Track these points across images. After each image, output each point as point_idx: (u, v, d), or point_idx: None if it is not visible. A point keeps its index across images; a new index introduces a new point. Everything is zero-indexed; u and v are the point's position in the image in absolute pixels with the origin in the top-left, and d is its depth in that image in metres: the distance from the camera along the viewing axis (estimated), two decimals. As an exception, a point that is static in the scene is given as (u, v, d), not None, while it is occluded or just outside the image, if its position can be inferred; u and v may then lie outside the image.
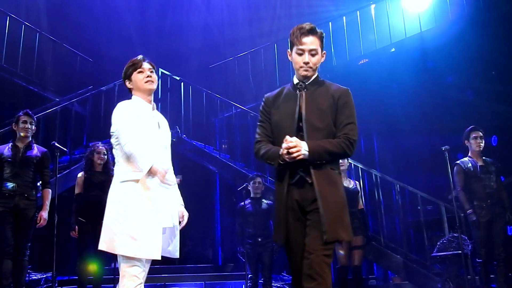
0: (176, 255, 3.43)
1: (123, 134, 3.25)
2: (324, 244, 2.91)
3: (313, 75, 3.18)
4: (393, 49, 10.07)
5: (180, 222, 3.49)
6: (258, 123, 3.29)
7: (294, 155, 2.92)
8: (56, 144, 6.01)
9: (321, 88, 3.17)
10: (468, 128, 6.46)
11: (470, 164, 6.34)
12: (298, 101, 3.12)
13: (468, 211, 6.21)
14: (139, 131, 3.27)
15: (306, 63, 3.12)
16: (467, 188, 6.30)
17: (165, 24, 12.31)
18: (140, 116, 3.34)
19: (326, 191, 2.98)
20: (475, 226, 6.20)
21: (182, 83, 10.56)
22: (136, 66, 3.48)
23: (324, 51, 3.21)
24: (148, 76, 3.45)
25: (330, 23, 10.81)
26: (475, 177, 6.27)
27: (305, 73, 3.14)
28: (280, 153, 2.97)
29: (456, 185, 6.34)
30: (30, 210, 5.56)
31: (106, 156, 6.33)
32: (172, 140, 8.72)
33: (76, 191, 6.28)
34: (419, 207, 8.13)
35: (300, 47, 3.12)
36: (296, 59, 3.15)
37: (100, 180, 6.22)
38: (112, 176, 6.50)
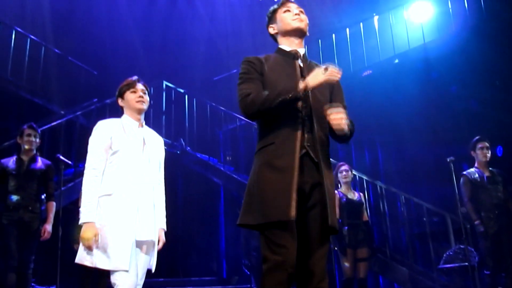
0: (152, 269, 3.44)
1: (87, 163, 3.34)
2: (324, 243, 2.68)
3: (302, 42, 2.95)
4: (396, 60, 10.09)
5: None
6: (246, 79, 2.80)
7: (339, 120, 2.57)
8: (60, 156, 6.02)
9: (312, 64, 2.90)
10: (474, 139, 6.44)
11: (476, 175, 6.31)
12: (297, 69, 2.82)
13: (475, 222, 6.17)
14: (115, 151, 3.33)
15: (297, 14, 2.87)
16: (474, 198, 6.26)
17: (169, 37, 12.38)
18: (120, 133, 3.40)
19: (328, 175, 2.70)
20: (482, 237, 6.16)
21: (186, 96, 10.59)
22: (130, 86, 3.58)
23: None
24: (140, 97, 3.54)
25: (333, 35, 10.86)
26: (482, 187, 6.23)
27: (299, 24, 2.87)
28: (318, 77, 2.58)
29: (463, 196, 6.30)
30: (34, 223, 5.55)
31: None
32: (176, 152, 8.71)
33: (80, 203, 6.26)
34: (424, 219, 8.10)
35: (287, 5, 2.91)
36: (285, 16, 2.89)
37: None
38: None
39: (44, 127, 7.99)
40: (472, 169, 6.41)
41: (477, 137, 6.44)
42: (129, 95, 3.55)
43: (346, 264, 6.31)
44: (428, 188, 9.22)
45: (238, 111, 10.70)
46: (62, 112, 10.01)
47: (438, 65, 9.26)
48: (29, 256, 5.51)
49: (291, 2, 2.94)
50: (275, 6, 2.96)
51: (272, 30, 2.99)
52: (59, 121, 8.78)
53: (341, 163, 6.79)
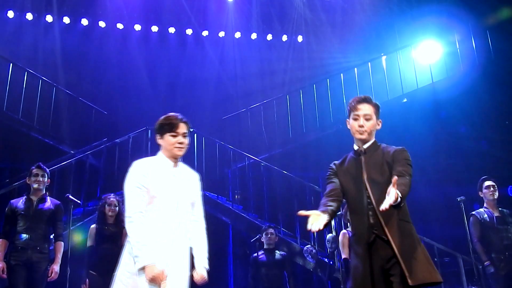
0: None
1: (128, 208, 3.23)
2: None
3: (370, 139, 3.47)
4: (405, 100, 10.14)
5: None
6: (327, 183, 3.51)
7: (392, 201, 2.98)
8: (70, 196, 6.03)
9: (379, 150, 3.45)
10: (481, 179, 6.39)
11: (486, 215, 6.23)
12: (361, 163, 3.39)
13: (485, 263, 6.07)
14: (151, 195, 3.25)
15: (361, 127, 3.41)
16: (484, 239, 6.17)
17: (179, 77, 12.50)
18: (155, 177, 3.31)
19: (402, 243, 3.16)
20: (494, 278, 6.05)
21: (195, 135, 10.63)
22: (172, 128, 3.38)
23: (380, 120, 3.52)
24: (180, 143, 3.38)
25: (341, 74, 10.95)
26: (492, 228, 6.15)
27: (360, 136, 3.43)
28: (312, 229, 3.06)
29: (472, 237, 6.21)
30: (42, 263, 5.53)
31: (117, 208, 6.29)
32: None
33: (88, 243, 6.25)
34: (436, 259, 7.98)
35: (356, 112, 3.43)
36: (352, 124, 3.45)
37: (111, 232, 6.20)
38: (123, 228, 6.43)
39: (54, 167, 8.03)
40: (481, 209, 6.33)
41: (483, 177, 6.39)
42: (168, 137, 3.38)
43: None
44: (438, 228, 9.13)
45: (247, 150, 10.76)
46: (72, 152, 10.08)
47: (446, 104, 9.28)
48: (37, 297, 5.47)
49: (362, 104, 3.45)
50: (350, 106, 3.48)
51: (348, 125, 3.52)
52: (69, 161, 8.84)
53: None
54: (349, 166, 3.48)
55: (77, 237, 7.23)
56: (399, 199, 3.01)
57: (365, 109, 3.44)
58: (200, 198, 3.60)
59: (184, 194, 3.41)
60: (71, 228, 6.26)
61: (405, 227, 3.28)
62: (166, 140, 3.38)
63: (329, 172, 3.57)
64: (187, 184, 3.47)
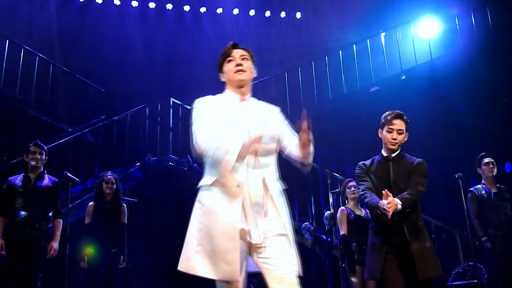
0: (297, 273, 2.71)
1: (196, 139, 2.85)
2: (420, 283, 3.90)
3: (398, 149, 4.14)
4: (404, 77, 10.11)
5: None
6: (361, 180, 4.18)
7: (390, 210, 3.74)
8: (68, 174, 6.03)
9: (403, 160, 4.14)
10: (479, 156, 6.41)
11: (483, 191, 6.25)
12: (389, 169, 4.11)
13: (482, 239, 6.11)
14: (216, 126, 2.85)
15: (394, 139, 4.09)
16: (481, 215, 6.20)
17: (176, 54, 12.42)
18: (218, 112, 2.94)
19: (416, 241, 3.91)
20: (490, 254, 6.09)
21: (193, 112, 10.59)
22: (225, 54, 3.07)
23: (407, 133, 4.15)
24: (238, 65, 2.99)
25: (340, 51, 10.88)
26: (489, 204, 6.17)
27: (392, 147, 4.11)
28: (380, 204, 3.80)
29: (470, 213, 6.24)
30: (41, 240, 5.54)
31: (115, 186, 6.29)
32: (183, 169, 8.54)
33: (86, 221, 6.27)
34: (433, 236, 8.03)
35: (391, 126, 4.11)
36: (386, 136, 4.13)
37: (109, 210, 6.21)
38: (122, 206, 6.46)
39: (52, 145, 8.02)
40: (479, 186, 6.35)
41: (482, 154, 6.41)
42: (226, 66, 3.04)
43: (354, 280, 6.22)
44: (436, 205, 9.16)
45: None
46: (70, 129, 10.05)
47: (445, 81, 9.25)
48: (36, 274, 5.48)
49: (397, 120, 4.12)
50: (385, 119, 4.16)
51: (380, 134, 4.22)
52: (67, 138, 8.82)
53: (349, 179, 6.76)
54: (377, 169, 4.16)
55: None
56: (399, 206, 3.76)
57: (399, 124, 4.10)
58: (289, 129, 3.06)
59: (257, 129, 2.87)
60: (70, 205, 6.27)
61: (420, 229, 4.01)
62: (226, 70, 3.06)
63: (359, 171, 4.22)
64: (261, 117, 2.98)
